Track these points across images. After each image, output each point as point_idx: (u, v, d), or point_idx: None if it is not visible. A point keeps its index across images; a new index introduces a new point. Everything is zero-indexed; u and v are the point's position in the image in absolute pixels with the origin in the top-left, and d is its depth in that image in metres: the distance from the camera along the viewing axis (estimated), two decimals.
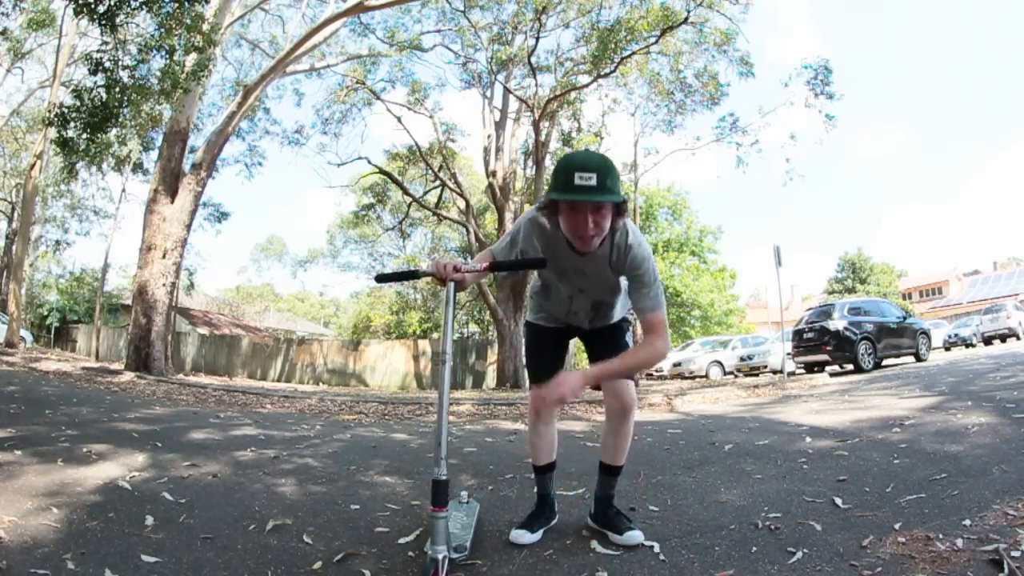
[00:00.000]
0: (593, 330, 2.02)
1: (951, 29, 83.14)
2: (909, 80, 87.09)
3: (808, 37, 70.01)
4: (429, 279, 1.80)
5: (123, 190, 24.55)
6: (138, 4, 6.68)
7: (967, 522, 1.75)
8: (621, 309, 2.01)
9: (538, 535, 1.95)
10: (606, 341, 1.98)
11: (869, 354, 10.64)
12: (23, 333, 18.19)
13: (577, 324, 2.03)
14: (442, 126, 15.78)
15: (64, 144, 7.62)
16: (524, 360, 2.27)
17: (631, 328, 1.99)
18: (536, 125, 13.88)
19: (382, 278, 1.96)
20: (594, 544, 1.86)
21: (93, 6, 6.42)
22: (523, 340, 2.37)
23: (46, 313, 26.57)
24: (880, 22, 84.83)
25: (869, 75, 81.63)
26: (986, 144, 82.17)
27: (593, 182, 1.55)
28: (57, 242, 26.84)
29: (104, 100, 7.19)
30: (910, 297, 41.36)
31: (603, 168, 1.59)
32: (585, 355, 2.01)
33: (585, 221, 1.61)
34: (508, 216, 14.26)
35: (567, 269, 1.83)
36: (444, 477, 1.55)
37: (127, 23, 7.32)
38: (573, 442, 3.98)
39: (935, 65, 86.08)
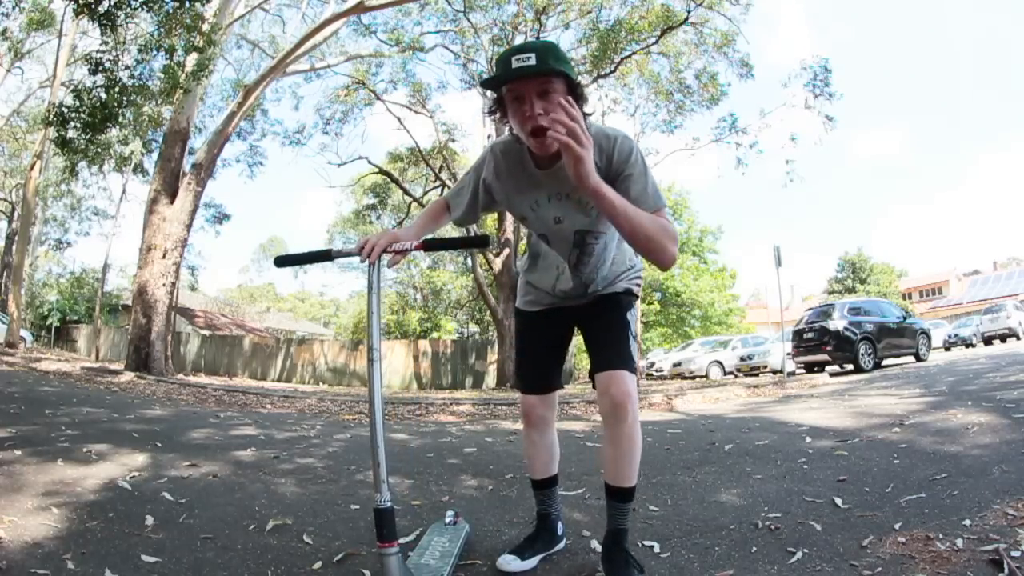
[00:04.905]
0: (591, 305, 1.73)
1: (949, 27, 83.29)
2: (907, 79, 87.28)
3: (806, 37, 70.06)
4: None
5: (123, 190, 24.45)
6: (138, 4, 6.69)
7: (967, 522, 1.75)
8: (615, 261, 1.70)
9: (530, 563, 1.69)
10: (604, 315, 1.69)
11: (869, 354, 10.65)
12: (23, 333, 18.18)
13: (569, 291, 1.71)
14: (442, 127, 15.81)
15: (63, 144, 7.64)
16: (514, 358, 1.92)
17: (634, 305, 1.75)
18: None
19: (283, 261, 1.55)
20: (594, 544, 1.85)
21: (93, 6, 6.43)
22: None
23: (46, 313, 26.54)
24: (878, 21, 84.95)
25: (867, 74, 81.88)
26: (985, 143, 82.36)
27: (532, 61, 1.34)
28: (58, 241, 26.86)
29: (104, 100, 7.20)
30: (910, 297, 41.38)
31: (543, 48, 1.38)
32: (586, 355, 1.89)
33: (531, 106, 1.37)
34: (508, 217, 14.27)
35: (536, 194, 1.58)
36: (387, 505, 1.30)
37: (127, 23, 7.34)
38: (573, 442, 3.98)
39: (933, 64, 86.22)
